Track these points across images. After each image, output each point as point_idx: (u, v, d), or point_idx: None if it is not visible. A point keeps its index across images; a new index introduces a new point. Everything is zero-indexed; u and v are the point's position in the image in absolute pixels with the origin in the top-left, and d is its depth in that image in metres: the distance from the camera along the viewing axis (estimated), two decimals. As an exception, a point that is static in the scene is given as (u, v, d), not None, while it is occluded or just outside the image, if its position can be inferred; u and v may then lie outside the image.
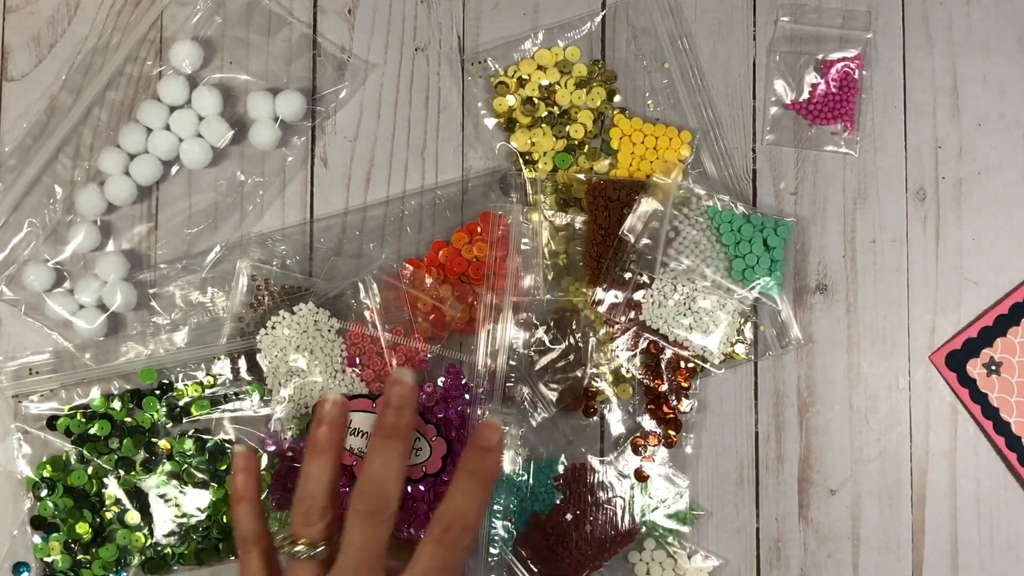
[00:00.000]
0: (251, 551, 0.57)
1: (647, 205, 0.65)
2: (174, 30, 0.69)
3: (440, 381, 0.65)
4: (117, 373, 0.66)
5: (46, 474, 0.64)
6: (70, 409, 0.65)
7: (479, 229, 0.67)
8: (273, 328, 0.64)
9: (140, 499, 0.65)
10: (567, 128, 0.68)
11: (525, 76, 0.68)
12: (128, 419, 0.65)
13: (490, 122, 0.69)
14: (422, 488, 0.63)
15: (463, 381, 0.65)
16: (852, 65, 0.69)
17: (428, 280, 0.66)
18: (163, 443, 0.65)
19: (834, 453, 0.67)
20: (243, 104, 0.68)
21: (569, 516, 0.65)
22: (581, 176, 0.67)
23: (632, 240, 0.65)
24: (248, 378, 0.66)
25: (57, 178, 0.68)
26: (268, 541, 0.58)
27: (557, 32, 0.69)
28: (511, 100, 0.68)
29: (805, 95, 0.69)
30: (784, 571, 0.67)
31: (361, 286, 0.65)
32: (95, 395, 0.65)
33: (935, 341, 0.68)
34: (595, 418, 0.67)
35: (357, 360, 0.65)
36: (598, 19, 0.70)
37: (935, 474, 0.68)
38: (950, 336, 0.68)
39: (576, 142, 0.68)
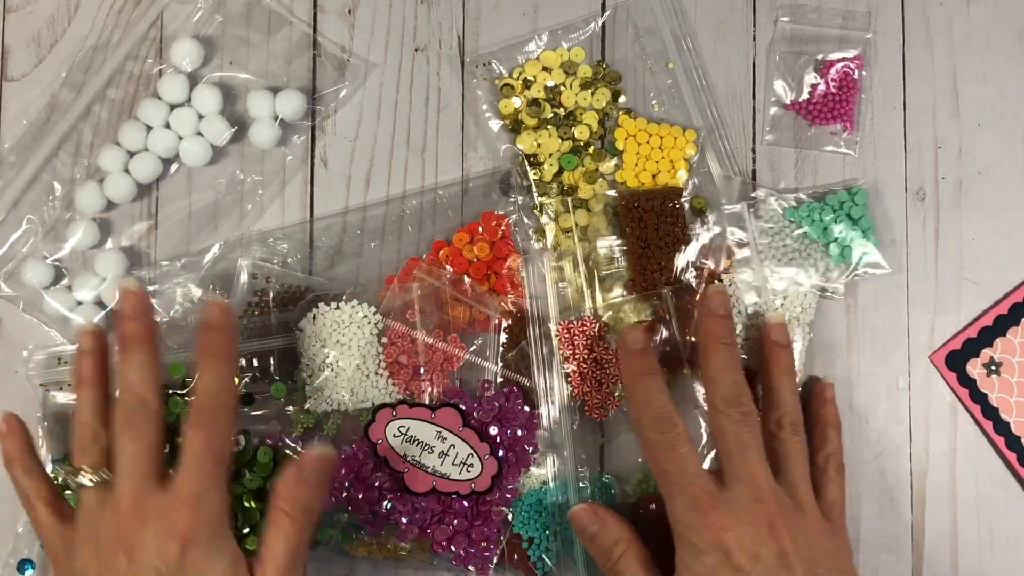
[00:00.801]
0: (36, 505, 0.59)
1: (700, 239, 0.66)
2: (174, 28, 0.69)
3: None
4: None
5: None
6: None
7: (480, 229, 0.67)
8: (315, 319, 0.64)
9: None
10: (572, 129, 0.68)
11: (531, 77, 0.68)
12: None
13: (494, 124, 0.69)
14: (465, 504, 0.63)
15: (520, 403, 0.65)
16: (852, 65, 0.69)
17: (467, 281, 0.66)
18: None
19: (834, 453, 0.67)
20: (243, 103, 0.68)
21: (653, 505, 0.64)
22: (612, 192, 0.67)
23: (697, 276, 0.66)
24: (276, 377, 0.65)
25: (57, 175, 0.68)
26: (49, 491, 0.59)
27: (561, 34, 0.69)
28: (516, 102, 0.68)
29: (805, 95, 0.69)
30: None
31: (412, 288, 0.65)
32: (175, 363, 0.65)
33: (935, 341, 0.68)
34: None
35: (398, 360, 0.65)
36: (600, 20, 0.70)
37: (935, 474, 0.68)
38: (950, 336, 0.68)
39: (581, 143, 0.68)
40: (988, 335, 0.67)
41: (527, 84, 0.68)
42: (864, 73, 0.69)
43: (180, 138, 0.67)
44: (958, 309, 0.68)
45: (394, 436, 0.63)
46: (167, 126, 0.67)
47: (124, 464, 0.55)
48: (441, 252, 0.67)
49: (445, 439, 0.63)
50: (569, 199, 0.67)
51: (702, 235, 0.67)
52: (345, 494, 0.63)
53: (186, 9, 0.69)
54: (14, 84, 0.69)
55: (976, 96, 0.70)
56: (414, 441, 0.63)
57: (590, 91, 0.68)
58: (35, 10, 0.70)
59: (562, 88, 0.68)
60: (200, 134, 0.67)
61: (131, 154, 0.67)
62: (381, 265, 0.68)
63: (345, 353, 0.64)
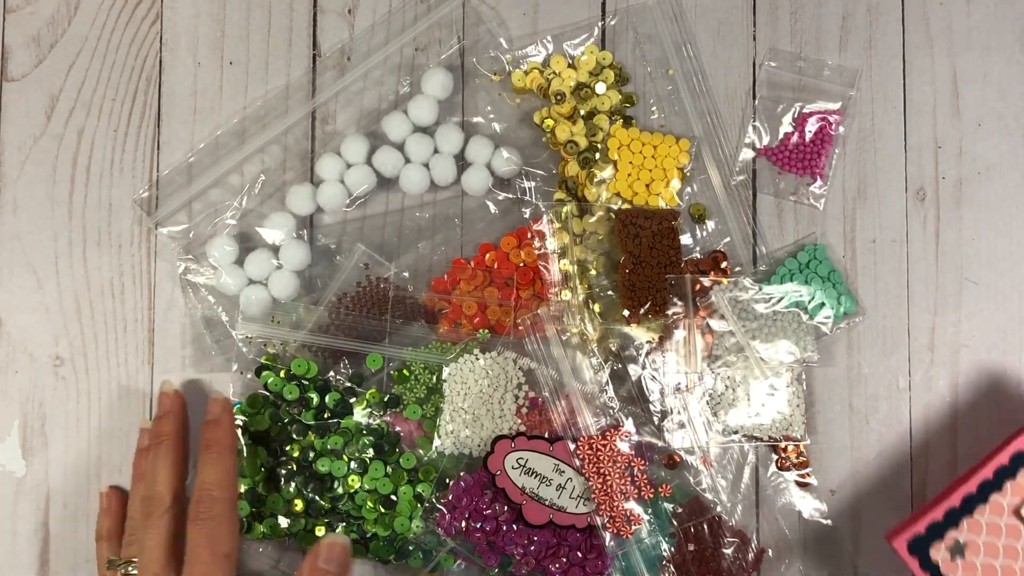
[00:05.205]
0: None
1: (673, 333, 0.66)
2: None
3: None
4: (344, 347, 0.66)
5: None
6: (268, 356, 0.66)
7: (529, 234, 0.67)
8: (461, 364, 0.65)
9: (310, 472, 0.65)
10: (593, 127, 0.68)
11: (556, 71, 0.68)
12: (313, 395, 0.65)
13: (497, 125, 0.69)
14: (579, 537, 0.64)
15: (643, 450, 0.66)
16: (830, 119, 0.68)
17: (480, 276, 0.66)
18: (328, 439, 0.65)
19: (834, 453, 0.68)
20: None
21: (691, 547, 0.65)
22: (612, 206, 0.67)
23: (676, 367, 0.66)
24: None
25: (265, 167, 0.69)
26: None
27: (564, 37, 0.69)
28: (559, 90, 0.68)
29: (777, 142, 0.69)
30: (785, 572, 0.67)
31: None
32: (300, 359, 0.65)
33: (935, 341, 0.68)
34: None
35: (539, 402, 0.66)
36: (599, 24, 0.70)
37: (935, 474, 0.68)
38: (911, 517, 0.63)
39: (599, 144, 0.68)
40: (955, 516, 0.61)
41: (546, 84, 0.68)
42: (842, 129, 0.69)
43: (407, 161, 0.67)
44: (958, 309, 0.68)
45: (512, 468, 0.63)
46: (400, 147, 0.67)
47: (143, 558, 0.59)
48: (488, 255, 0.67)
49: (563, 472, 0.64)
50: (573, 205, 0.67)
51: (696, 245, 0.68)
52: (464, 524, 0.63)
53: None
54: (14, 84, 0.69)
55: (976, 96, 0.70)
56: (532, 473, 0.63)
57: (607, 93, 0.68)
58: (35, 10, 0.70)
59: (587, 89, 0.68)
60: (426, 166, 0.67)
61: (348, 165, 0.67)
62: (431, 266, 0.68)
63: (486, 404, 0.65)
